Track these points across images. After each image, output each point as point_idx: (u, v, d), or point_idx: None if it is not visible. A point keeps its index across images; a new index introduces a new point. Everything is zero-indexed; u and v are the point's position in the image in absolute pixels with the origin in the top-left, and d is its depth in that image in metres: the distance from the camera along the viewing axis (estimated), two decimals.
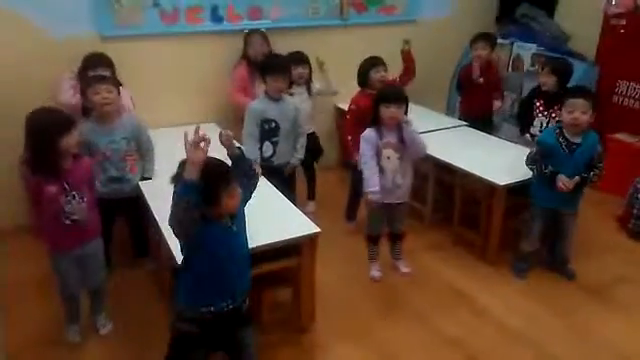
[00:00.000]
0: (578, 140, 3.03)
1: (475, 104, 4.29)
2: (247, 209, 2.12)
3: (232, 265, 2.01)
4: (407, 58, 3.86)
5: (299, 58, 3.86)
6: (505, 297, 3.15)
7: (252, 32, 4.01)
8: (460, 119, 4.38)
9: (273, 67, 3.32)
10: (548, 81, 3.58)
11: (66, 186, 2.44)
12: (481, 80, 4.15)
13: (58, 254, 2.58)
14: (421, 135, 3.05)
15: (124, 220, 3.32)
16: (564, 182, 3.01)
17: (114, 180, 3.05)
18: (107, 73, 3.26)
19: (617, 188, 4.17)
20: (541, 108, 3.68)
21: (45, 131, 2.36)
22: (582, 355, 2.71)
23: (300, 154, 3.54)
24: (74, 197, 2.47)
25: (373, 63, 3.61)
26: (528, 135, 3.76)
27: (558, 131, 3.07)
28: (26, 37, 3.54)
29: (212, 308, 2.00)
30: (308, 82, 3.89)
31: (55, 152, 2.38)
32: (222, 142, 2.11)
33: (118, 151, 3.02)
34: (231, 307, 2.04)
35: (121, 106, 3.16)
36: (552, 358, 2.69)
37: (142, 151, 3.16)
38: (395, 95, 2.96)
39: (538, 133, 3.66)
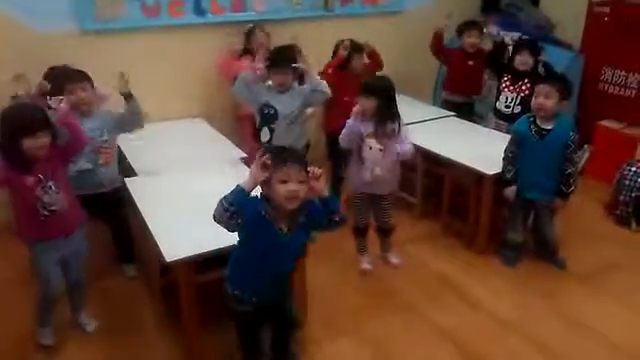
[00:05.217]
0: (549, 126, 3.04)
1: (460, 85, 4.30)
2: None
3: (271, 271, 2.08)
4: (371, 55, 3.90)
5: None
6: (496, 286, 3.15)
7: (254, 27, 3.99)
8: (443, 102, 4.43)
9: (272, 62, 3.31)
10: (529, 61, 3.72)
11: (41, 177, 2.36)
12: (471, 62, 4.18)
13: (39, 246, 2.48)
14: (409, 129, 3.07)
15: (104, 222, 3.17)
16: (509, 193, 3.15)
17: (84, 173, 2.89)
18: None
19: (604, 175, 4.20)
20: (508, 83, 3.81)
21: (8, 130, 2.30)
22: (574, 343, 2.72)
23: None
24: (50, 188, 2.40)
25: (351, 50, 3.71)
26: (491, 113, 3.99)
27: (532, 119, 3.10)
28: (3, 31, 3.45)
29: (254, 299, 2.12)
30: (301, 77, 3.68)
31: (20, 151, 2.30)
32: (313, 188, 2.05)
33: (90, 142, 2.82)
34: (267, 304, 2.17)
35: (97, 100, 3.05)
36: (544, 346, 2.69)
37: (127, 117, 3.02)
38: (364, 87, 2.98)
39: (504, 108, 3.83)
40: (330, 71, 3.71)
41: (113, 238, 3.25)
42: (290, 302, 2.35)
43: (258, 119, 3.42)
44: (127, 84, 2.93)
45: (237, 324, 2.24)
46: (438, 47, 4.28)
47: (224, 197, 1.92)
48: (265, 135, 3.39)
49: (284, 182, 1.91)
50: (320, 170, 2.00)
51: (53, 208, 2.42)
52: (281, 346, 2.41)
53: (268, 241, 2.00)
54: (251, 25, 4.04)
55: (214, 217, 1.95)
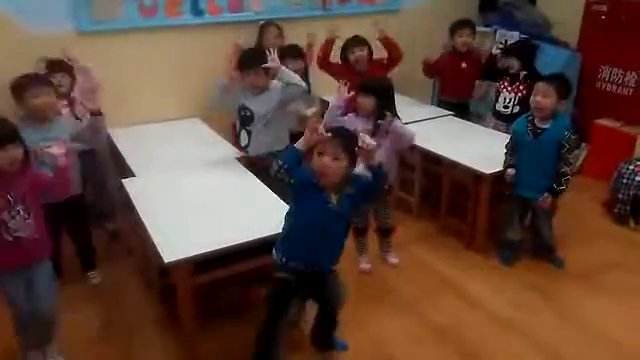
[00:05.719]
0: (546, 125, 3.05)
1: (453, 88, 4.29)
2: (233, 202, 2.11)
3: (317, 237, 2.17)
4: (387, 44, 3.91)
5: (292, 52, 3.75)
6: (494, 285, 3.16)
7: (267, 24, 3.97)
8: (439, 104, 4.43)
9: (241, 64, 3.23)
10: (514, 64, 3.75)
11: (10, 198, 2.23)
12: (464, 65, 4.17)
13: (4, 275, 2.34)
14: (408, 125, 3.06)
15: (66, 228, 3.11)
16: (509, 175, 3.16)
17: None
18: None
19: (602, 173, 4.21)
20: (506, 84, 3.83)
21: None
22: (573, 341, 2.72)
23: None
24: (19, 212, 2.26)
25: (350, 44, 3.81)
26: (490, 114, 4.00)
27: (530, 118, 3.11)
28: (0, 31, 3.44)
29: (298, 264, 2.22)
30: (304, 77, 3.61)
31: None
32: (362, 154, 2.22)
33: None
34: (315, 270, 2.26)
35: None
36: (542, 345, 2.70)
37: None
38: (364, 86, 3.00)
39: (502, 109, 3.85)
40: (319, 60, 3.84)
41: (75, 245, 3.19)
42: (337, 277, 2.38)
43: (237, 123, 3.36)
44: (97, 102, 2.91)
45: (270, 292, 2.31)
46: (431, 71, 4.33)
47: (280, 155, 2.12)
48: (244, 139, 3.32)
49: (320, 154, 2.08)
50: (372, 142, 2.18)
51: (18, 234, 2.28)
52: (322, 331, 2.49)
53: (317, 207, 2.13)
54: (264, 22, 4.01)
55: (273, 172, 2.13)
